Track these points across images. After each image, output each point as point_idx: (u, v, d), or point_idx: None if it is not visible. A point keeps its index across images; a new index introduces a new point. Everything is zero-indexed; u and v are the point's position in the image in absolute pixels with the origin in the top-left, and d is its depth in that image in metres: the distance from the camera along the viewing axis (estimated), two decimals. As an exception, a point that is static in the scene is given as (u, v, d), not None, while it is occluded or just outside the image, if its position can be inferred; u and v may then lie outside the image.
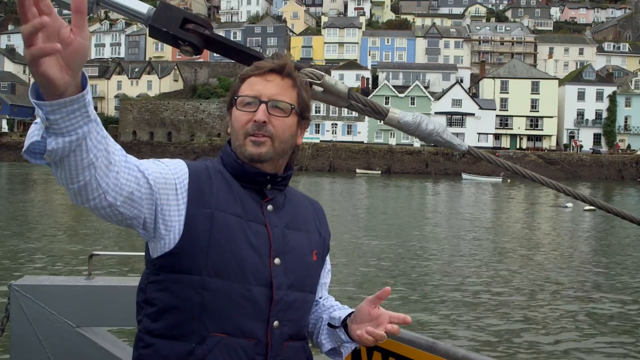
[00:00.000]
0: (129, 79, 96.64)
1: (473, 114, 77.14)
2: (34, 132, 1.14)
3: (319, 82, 1.71)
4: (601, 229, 24.37)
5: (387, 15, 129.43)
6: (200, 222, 1.41)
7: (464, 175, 62.78)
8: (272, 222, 1.51)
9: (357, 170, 69.67)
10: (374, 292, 1.56)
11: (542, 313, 11.02)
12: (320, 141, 76.18)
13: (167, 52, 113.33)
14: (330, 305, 1.70)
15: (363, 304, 1.56)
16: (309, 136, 77.83)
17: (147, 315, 1.45)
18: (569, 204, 30.97)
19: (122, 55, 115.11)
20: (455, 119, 78.57)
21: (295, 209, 1.60)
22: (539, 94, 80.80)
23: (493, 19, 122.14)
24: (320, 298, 1.72)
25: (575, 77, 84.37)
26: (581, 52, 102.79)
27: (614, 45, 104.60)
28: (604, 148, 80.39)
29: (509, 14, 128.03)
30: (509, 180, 59.03)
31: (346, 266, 14.26)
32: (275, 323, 1.48)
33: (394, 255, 16.14)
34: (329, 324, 1.63)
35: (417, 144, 77.63)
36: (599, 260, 16.62)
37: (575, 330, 10.09)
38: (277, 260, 1.48)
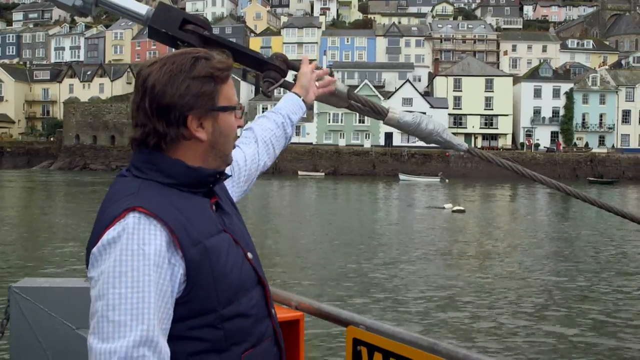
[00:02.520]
0: (80, 82, 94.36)
1: (424, 113, 74.81)
2: None
3: None
4: (462, 227, 23.59)
5: (355, 15, 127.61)
6: (200, 262, 1.31)
7: (401, 176, 60.63)
8: (224, 222, 1.44)
9: (299, 173, 67.46)
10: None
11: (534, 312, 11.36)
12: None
13: (126, 54, 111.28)
14: (268, 124, 1.85)
15: (301, 81, 1.87)
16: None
17: None
18: (447, 205, 29.13)
19: (82, 58, 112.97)
20: (406, 118, 76.55)
21: (219, 197, 1.50)
22: (493, 91, 78.84)
23: (461, 17, 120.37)
24: (255, 140, 1.83)
25: (532, 74, 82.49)
26: (545, 50, 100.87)
27: (577, 42, 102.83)
28: (563, 147, 78.45)
29: (478, 13, 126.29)
30: (447, 181, 56.92)
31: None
32: (273, 311, 1.51)
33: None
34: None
35: (367, 144, 75.53)
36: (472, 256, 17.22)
37: (569, 327, 10.34)
38: (250, 255, 1.46)
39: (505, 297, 12.49)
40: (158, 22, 1.69)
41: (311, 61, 1.93)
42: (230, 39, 1.87)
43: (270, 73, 1.73)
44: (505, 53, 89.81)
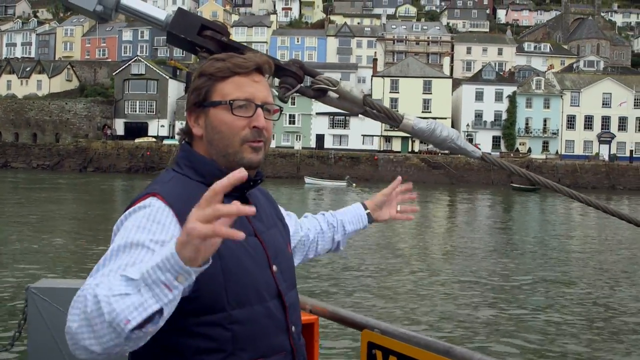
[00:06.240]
0: (18, 78, 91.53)
1: (357, 115, 72.17)
2: (148, 304, 1.07)
3: (335, 88, 1.75)
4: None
5: (318, 15, 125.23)
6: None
7: (307, 179, 57.72)
8: (258, 229, 1.48)
9: (215, 174, 64.69)
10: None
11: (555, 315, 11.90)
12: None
13: (76, 51, 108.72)
14: (320, 224, 1.92)
15: (380, 197, 1.96)
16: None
17: None
18: None
19: (33, 54, 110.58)
20: (338, 119, 73.73)
21: (259, 205, 1.54)
22: (431, 93, 76.01)
23: (424, 19, 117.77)
24: (307, 229, 1.89)
25: (474, 77, 79.69)
26: (500, 53, 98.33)
27: (535, 46, 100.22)
28: (501, 151, 75.53)
29: (445, 14, 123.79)
30: (354, 185, 54.17)
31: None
32: (293, 328, 1.49)
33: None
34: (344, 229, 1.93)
35: (297, 146, 72.75)
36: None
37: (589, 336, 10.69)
38: (274, 268, 1.47)
39: (504, 298, 13.21)
40: (177, 27, 1.71)
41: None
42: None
43: (287, 79, 1.71)
44: (448, 54, 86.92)
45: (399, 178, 1.94)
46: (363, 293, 13.06)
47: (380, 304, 12.23)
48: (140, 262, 1.18)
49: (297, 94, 1.78)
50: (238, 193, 1.43)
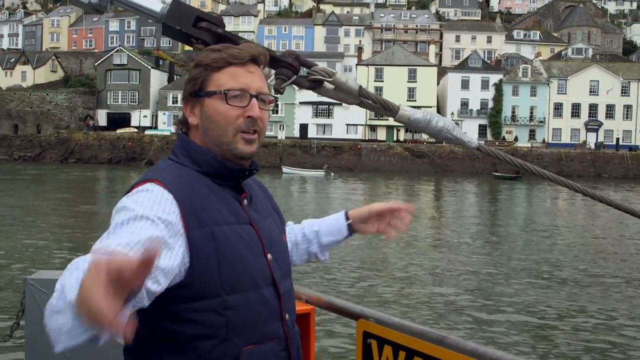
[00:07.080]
0: (2, 69, 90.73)
1: (341, 104, 71.53)
2: (77, 332, 1.01)
3: (330, 79, 1.76)
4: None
5: (308, 4, 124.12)
6: (204, 245, 1.35)
7: (285, 169, 57.11)
8: (254, 217, 1.50)
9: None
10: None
11: (548, 307, 11.78)
12: (172, 133, 70.54)
13: (63, 42, 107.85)
14: (296, 236, 1.85)
15: (367, 214, 1.81)
16: (164, 128, 72.21)
17: (168, 351, 1.37)
18: None
19: (20, 46, 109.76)
20: (322, 109, 72.99)
21: (255, 195, 1.58)
22: (416, 82, 75.21)
23: (414, 8, 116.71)
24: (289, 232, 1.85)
25: (460, 65, 78.85)
26: (489, 40, 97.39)
27: (524, 34, 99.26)
28: (486, 140, 74.85)
29: (435, 3, 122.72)
30: (332, 174, 53.60)
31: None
32: (287, 316, 1.51)
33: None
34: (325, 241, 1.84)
35: (281, 136, 72.11)
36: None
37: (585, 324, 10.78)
38: (269, 256, 1.49)
39: (504, 283, 13.53)
40: (172, 19, 1.71)
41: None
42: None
43: (282, 70, 1.73)
44: (434, 42, 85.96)
45: (400, 204, 1.79)
46: (358, 283, 13.21)
47: (375, 294, 12.38)
48: (146, 232, 1.20)
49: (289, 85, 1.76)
50: (232, 182, 1.46)
